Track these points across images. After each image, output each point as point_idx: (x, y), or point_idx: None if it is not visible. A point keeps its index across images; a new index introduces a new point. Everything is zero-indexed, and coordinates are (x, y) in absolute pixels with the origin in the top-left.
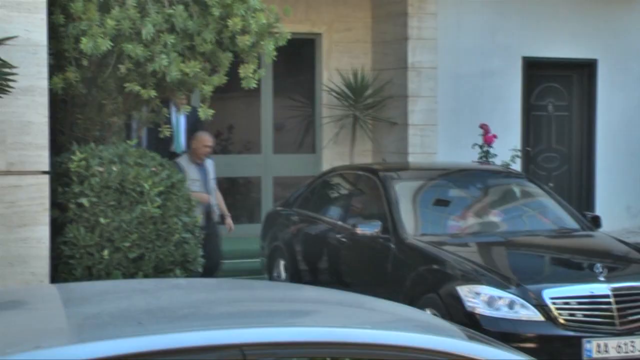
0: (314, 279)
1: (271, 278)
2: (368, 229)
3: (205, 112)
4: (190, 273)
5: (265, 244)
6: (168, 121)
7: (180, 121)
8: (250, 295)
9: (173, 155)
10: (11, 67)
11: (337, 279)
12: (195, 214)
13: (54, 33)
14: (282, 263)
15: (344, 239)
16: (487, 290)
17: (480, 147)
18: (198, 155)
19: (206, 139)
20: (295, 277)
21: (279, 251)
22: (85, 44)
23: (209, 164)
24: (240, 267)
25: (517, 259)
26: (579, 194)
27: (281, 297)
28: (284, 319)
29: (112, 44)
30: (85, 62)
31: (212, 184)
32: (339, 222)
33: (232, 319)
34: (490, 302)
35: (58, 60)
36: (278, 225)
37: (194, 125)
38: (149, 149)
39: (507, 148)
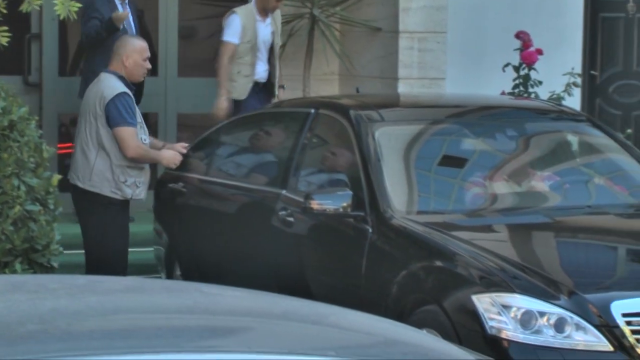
0: (236, 282)
1: (171, 277)
2: (330, 202)
3: (65, 5)
4: (39, 269)
5: (161, 227)
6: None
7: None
8: (139, 302)
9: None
10: None
11: (277, 283)
12: (49, 172)
13: None
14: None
15: (289, 219)
16: (521, 302)
17: (516, 69)
18: (133, 76)
19: (143, 46)
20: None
21: (177, 242)
22: None
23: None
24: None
25: (571, 253)
26: None
27: (190, 305)
28: (195, 340)
29: None
30: None
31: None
32: (282, 192)
33: (106, 340)
34: (527, 320)
35: None
36: (175, 199)
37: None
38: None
39: (560, 71)
